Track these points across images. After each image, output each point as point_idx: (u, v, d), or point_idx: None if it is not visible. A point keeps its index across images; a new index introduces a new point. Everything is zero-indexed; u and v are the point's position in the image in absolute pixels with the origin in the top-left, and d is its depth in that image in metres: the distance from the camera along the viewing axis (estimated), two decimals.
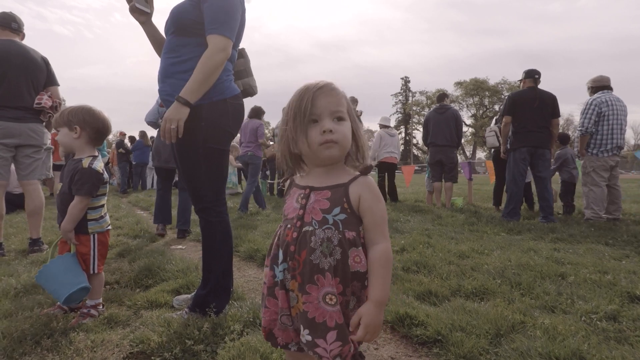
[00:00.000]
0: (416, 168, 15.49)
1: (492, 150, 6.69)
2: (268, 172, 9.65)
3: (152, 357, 1.52)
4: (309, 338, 0.95)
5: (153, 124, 4.28)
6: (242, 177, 10.12)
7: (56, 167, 7.55)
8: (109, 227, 2.06)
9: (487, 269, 2.62)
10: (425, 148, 7.28)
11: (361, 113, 7.65)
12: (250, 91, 2.21)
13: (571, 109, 75.68)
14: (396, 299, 2.05)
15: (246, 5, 1.98)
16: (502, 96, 48.87)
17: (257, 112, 6.38)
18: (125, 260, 3.04)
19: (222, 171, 1.95)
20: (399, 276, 2.50)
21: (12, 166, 3.35)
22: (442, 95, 7.25)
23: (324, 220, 0.97)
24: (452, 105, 10.66)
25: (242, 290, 2.35)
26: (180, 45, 1.87)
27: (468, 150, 54.41)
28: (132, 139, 12.69)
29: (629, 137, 57.97)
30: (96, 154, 2.01)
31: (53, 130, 3.54)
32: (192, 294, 2.07)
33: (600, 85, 5.04)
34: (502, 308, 1.93)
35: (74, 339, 1.64)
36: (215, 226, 1.93)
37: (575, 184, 5.96)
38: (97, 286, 1.97)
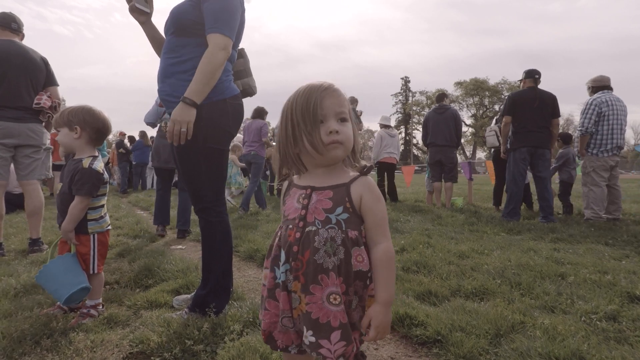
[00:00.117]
0: (416, 168, 15.49)
1: (492, 150, 6.69)
2: (268, 172, 9.65)
3: (152, 357, 1.52)
4: (313, 339, 0.94)
5: (152, 124, 4.28)
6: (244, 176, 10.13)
7: (56, 167, 7.55)
8: (109, 227, 2.06)
9: (487, 269, 2.62)
10: (425, 148, 7.28)
11: (361, 113, 7.66)
12: (250, 91, 2.21)
13: (571, 109, 75.83)
14: (396, 299, 2.05)
15: (246, 5, 1.98)
16: (502, 96, 48.86)
17: (260, 113, 6.48)
18: (125, 260, 3.04)
19: (222, 171, 1.95)
20: (398, 276, 2.50)
21: (12, 166, 3.35)
22: (441, 95, 7.25)
23: (327, 220, 0.97)
24: (452, 105, 10.63)
25: (242, 291, 2.35)
26: (179, 45, 1.87)
27: (468, 150, 54.43)
28: (131, 138, 12.69)
29: (629, 137, 58.04)
30: (96, 154, 2.01)
31: (52, 130, 3.55)
32: (192, 294, 2.07)
33: (600, 85, 5.04)
34: (502, 308, 1.93)
35: (74, 339, 1.64)
36: (215, 226, 1.93)
37: (572, 184, 5.97)
38: (97, 286, 1.97)
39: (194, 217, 4.08)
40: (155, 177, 5.16)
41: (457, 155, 7.05)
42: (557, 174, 6.12)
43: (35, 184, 3.37)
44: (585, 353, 1.47)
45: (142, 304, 2.09)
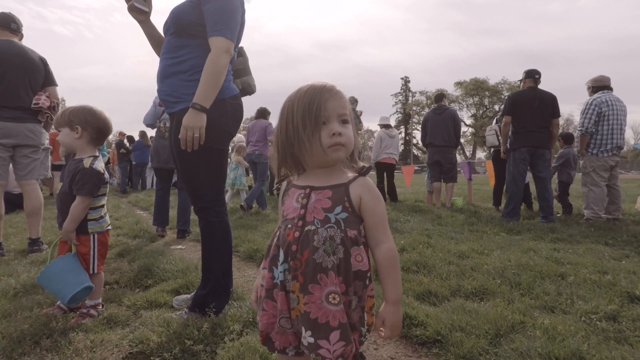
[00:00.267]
0: (416, 168, 15.49)
1: (492, 150, 6.68)
2: (269, 172, 9.65)
3: (152, 357, 1.52)
4: (311, 340, 0.94)
5: (152, 126, 4.29)
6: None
7: (56, 167, 7.55)
8: (109, 227, 2.06)
9: (486, 269, 2.62)
10: (425, 148, 7.28)
11: (361, 113, 7.66)
12: (249, 90, 2.21)
13: (571, 109, 75.75)
14: None
15: (246, 5, 1.99)
16: (502, 96, 48.85)
17: (263, 113, 6.64)
18: (125, 260, 3.04)
19: (221, 171, 1.96)
20: None
21: (12, 166, 3.35)
22: (440, 96, 7.23)
23: (326, 219, 0.97)
24: (452, 105, 10.62)
25: (242, 290, 2.35)
26: (179, 46, 1.87)
27: (468, 150, 54.44)
28: (130, 138, 12.67)
29: (629, 137, 58.03)
30: (97, 154, 2.01)
31: (51, 130, 3.55)
32: (192, 294, 2.07)
33: (600, 85, 5.04)
34: (501, 308, 1.93)
35: (73, 339, 1.64)
36: (215, 226, 1.93)
37: (570, 184, 5.97)
38: (97, 286, 1.96)
39: (193, 217, 4.08)
40: (155, 177, 5.17)
41: (457, 155, 7.05)
42: (556, 174, 6.12)
43: (33, 184, 3.37)
44: (585, 353, 1.47)
45: (141, 304, 2.09)
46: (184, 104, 1.83)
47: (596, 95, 4.96)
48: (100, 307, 2.00)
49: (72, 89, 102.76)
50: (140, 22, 2.06)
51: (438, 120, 6.70)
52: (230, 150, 7.18)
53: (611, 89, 5.02)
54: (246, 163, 6.89)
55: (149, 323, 1.80)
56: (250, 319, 1.81)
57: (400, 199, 7.84)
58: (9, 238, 3.80)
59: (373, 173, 7.64)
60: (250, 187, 7.14)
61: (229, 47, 1.79)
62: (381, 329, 1.00)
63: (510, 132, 5.22)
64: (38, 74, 3.33)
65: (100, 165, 1.96)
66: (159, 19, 1.96)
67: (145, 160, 11.50)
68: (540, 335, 1.64)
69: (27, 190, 3.34)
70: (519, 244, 3.46)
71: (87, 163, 1.91)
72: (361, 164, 1.05)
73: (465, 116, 53.82)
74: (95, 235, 1.95)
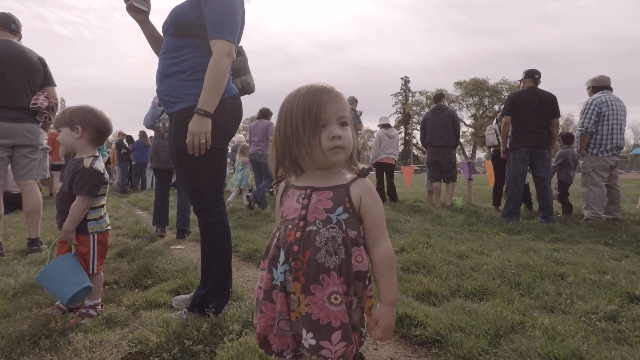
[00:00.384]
0: (416, 168, 15.48)
1: (492, 150, 6.68)
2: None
3: (151, 358, 1.52)
4: (313, 342, 0.93)
5: (152, 127, 4.28)
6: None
7: (55, 167, 7.55)
8: (109, 227, 2.06)
9: (486, 269, 2.62)
10: (425, 148, 7.28)
11: (361, 113, 7.65)
12: (248, 89, 2.21)
13: (571, 109, 75.69)
14: None
15: (246, 5, 1.98)
16: (502, 96, 48.84)
17: (265, 113, 6.68)
18: (125, 260, 3.04)
19: (221, 171, 1.95)
20: (398, 276, 2.50)
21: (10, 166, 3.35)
22: (439, 96, 7.21)
23: (327, 220, 0.97)
24: (452, 105, 10.62)
25: (241, 291, 2.34)
26: (178, 46, 1.87)
27: (468, 150, 54.44)
28: (129, 138, 12.66)
29: (629, 137, 58.07)
30: (97, 154, 2.01)
31: (51, 130, 3.55)
32: (191, 294, 2.07)
33: (600, 85, 5.04)
34: (501, 308, 1.93)
35: (73, 339, 1.64)
36: (214, 226, 1.93)
37: (569, 184, 5.97)
38: (96, 286, 1.96)
39: (193, 217, 4.07)
40: (154, 178, 5.17)
41: (457, 155, 7.05)
42: (555, 174, 6.12)
43: (32, 184, 3.37)
44: (585, 353, 1.47)
45: (141, 304, 2.09)
46: (183, 104, 1.83)
47: (596, 95, 4.96)
48: (100, 307, 1.99)
49: (72, 89, 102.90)
50: (139, 21, 2.06)
51: (437, 120, 6.70)
52: (230, 150, 7.17)
53: (611, 89, 5.02)
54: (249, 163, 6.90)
55: (148, 323, 1.80)
56: (250, 319, 1.81)
57: (400, 199, 7.84)
58: (8, 238, 3.80)
59: (373, 173, 7.63)
60: (250, 190, 7.13)
61: (230, 50, 1.79)
62: (373, 330, 0.99)
63: (510, 132, 5.22)
64: (37, 74, 3.33)
65: (100, 165, 1.95)
66: (158, 19, 1.96)
67: (145, 160, 11.49)
68: (540, 335, 1.64)
69: (25, 190, 3.34)
70: (519, 244, 3.46)
71: (87, 163, 1.91)
72: (360, 165, 1.05)
73: (465, 116, 53.88)
74: (95, 235, 1.95)
